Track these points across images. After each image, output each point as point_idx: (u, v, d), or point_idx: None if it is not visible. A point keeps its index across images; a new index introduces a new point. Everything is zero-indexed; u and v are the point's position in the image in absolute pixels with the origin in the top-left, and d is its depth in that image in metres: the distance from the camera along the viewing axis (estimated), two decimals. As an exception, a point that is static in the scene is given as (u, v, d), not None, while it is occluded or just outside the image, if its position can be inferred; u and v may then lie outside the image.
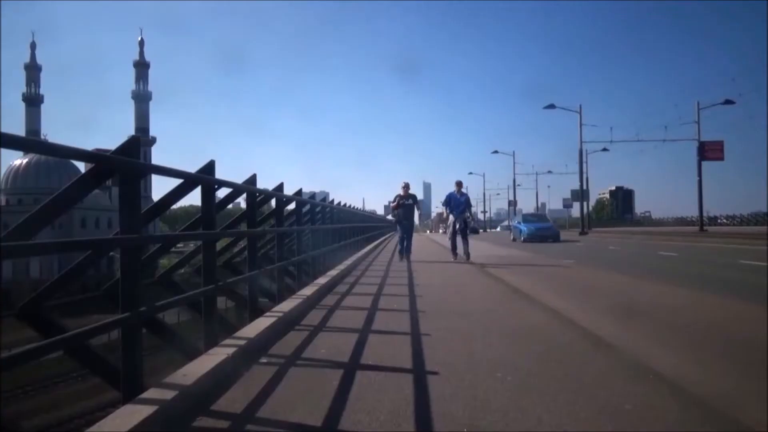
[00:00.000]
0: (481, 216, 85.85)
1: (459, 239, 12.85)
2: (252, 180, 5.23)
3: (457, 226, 12.70)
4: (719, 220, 50.93)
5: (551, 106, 37.67)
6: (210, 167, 3.99)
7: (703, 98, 51.80)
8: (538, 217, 32.90)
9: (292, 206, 7.80)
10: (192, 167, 3.96)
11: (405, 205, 13.02)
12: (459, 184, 13.31)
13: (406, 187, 13.10)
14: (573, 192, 52.04)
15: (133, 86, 78.46)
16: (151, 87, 79.22)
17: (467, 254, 12.58)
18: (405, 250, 13.09)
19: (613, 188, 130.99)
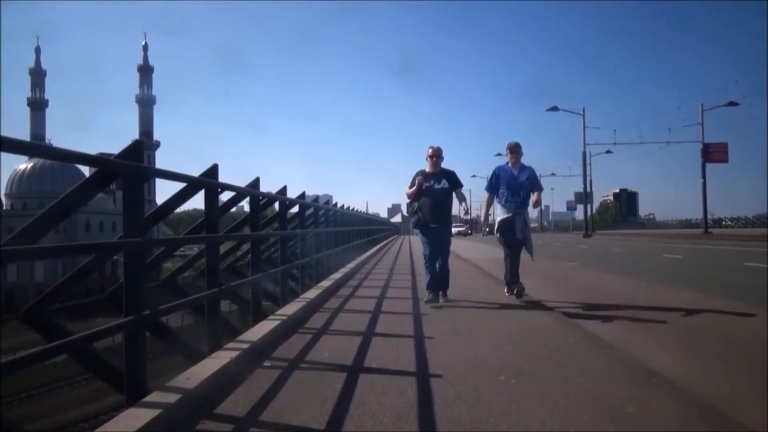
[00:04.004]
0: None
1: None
2: (255, 183, 5.24)
3: (518, 228, 6.65)
4: (724, 222, 50.79)
5: (554, 109, 37.67)
6: (213, 171, 4.01)
7: (706, 100, 51.73)
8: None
9: (295, 209, 7.81)
10: (195, 169, 3.99)
11: (432, 191, 6.41)
12: (514, 150, 6.78)
13: (435, 155, 6.49)
14: (576, 194, 52.02)
15: (137, 90, 78.85)
16: (154, 90, 79.60)
17: (516, 286, 6.69)
18: (437, 280, 6.55)
19: (617, 190, 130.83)
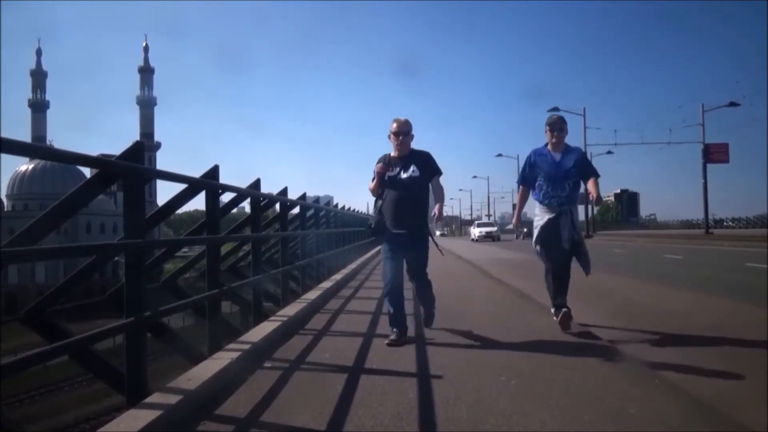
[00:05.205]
0: (485, 220, 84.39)
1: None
2: (256, 184, 5.25)
3: (565, 233, 4.75)
4: (725, 223, 50.71)
5: (555, 109, 37.23)
6: (214, 172, 4.02)
7: (707, 101, 51.69)
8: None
9: (296, 210, 7.81)
10: (195, 170, 4.00)
11: (398, 181, 4.56)
12: (556, 127, 4.92)
13: (401, 131, 4.58)
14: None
15: (137, 91, 78.99)
16: (154, 91, 79.71)
17: (561, 310, 4.76)
18: (403, 313, 4.57)
19: (618, 191, 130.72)
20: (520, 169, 5.19)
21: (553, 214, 4.83)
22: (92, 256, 3.17)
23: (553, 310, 4.93)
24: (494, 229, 39.58)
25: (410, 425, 2.58)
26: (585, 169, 4.93)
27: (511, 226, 39.75)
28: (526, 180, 5.05)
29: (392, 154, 4.65)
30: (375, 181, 4.62)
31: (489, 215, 75.78)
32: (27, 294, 36.81)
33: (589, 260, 4.89)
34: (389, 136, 4.63)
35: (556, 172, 4.85)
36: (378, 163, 4.63)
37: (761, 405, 2.79)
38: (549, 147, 4.95)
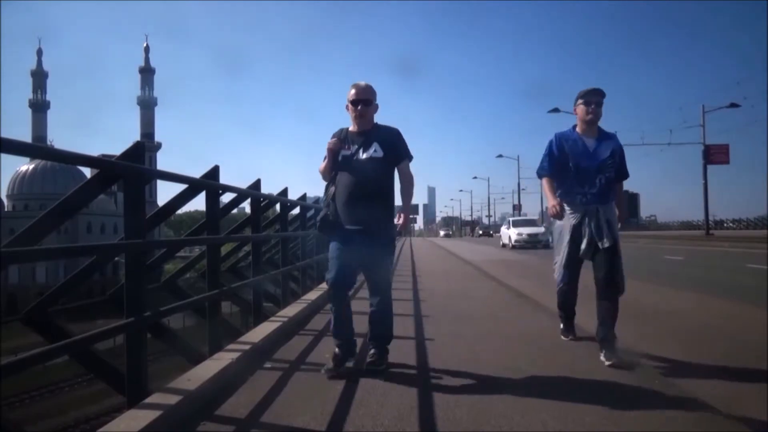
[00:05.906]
0: (485, 221, 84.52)
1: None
2: (256, 185, 5.25)
3: (586, 238, 3.76)
4: (725, 224, 50.69)
5: (555, 110, 37.54)
6: (214, 172, 4.02)
7: (707, 102, 51.70)
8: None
9: (296, 211, 7.81)
10: (196, 170, 4.00)
11: (354, 163, 3.52)
12: (591, 101, 3.74)
13: (361, 99, 3.52)
14: (578, 196, 51.70)
15: (138, 92, 79.14)
16: (155, 91, 79.86)
17: (608, 341, 3.65)
18: (350, 329, 3.87)
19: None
20: (544, 157, 3.98)
21: (576, 216, 3.82)
22: (92, 256, 3.18)
23: (563, 333, 4.36)
24: (541, 230, 24.34)
25: (410, 426, 2.58)
26: (620, 166, 3.87)
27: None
28: (554, 170, 3.92)
29: (350, 128, 3.66)
30: (326, 160, 3.59)
31: (489, 215, 75.11)
32: (27, 294, 36.85)
33: (623, 275, 3.80)
34: (347, 107, 3.60)
35: (588, 163, 3.76)
36: (332, 138, 3.62)
37: (761, 405, 2.79)
38: (578, 129, 3.87)
